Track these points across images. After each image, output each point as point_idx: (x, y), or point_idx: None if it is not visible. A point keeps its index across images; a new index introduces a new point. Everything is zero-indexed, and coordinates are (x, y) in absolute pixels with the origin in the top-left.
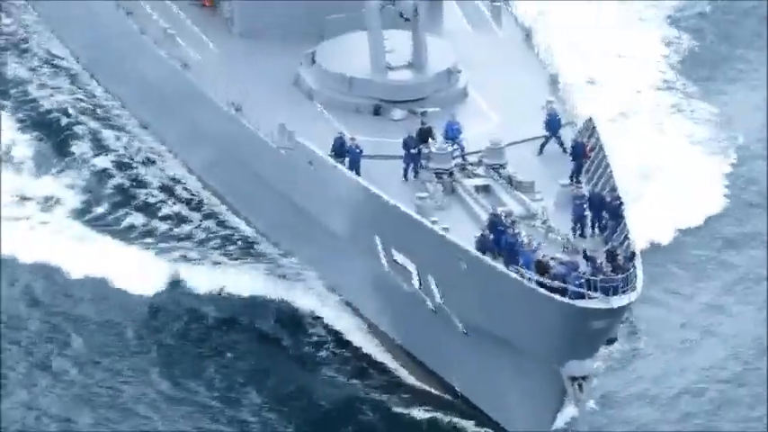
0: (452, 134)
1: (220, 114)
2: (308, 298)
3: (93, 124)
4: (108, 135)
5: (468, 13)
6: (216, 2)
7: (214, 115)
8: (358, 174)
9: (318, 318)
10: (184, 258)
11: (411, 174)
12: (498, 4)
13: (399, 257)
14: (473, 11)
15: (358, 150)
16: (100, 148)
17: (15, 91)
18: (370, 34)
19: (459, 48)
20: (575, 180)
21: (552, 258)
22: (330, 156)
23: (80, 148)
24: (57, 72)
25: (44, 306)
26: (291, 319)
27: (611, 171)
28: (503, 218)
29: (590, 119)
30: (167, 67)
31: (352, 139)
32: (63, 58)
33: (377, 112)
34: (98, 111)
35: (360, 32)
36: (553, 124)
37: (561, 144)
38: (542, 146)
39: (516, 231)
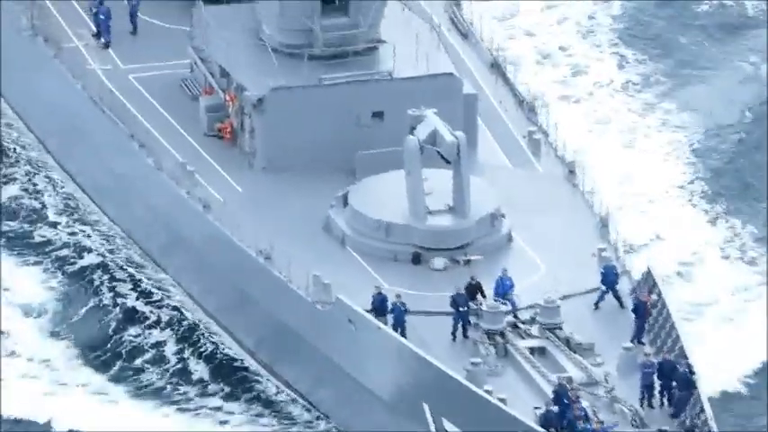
0: (504, 290)
1: (248, 262)
2: None
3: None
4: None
5: (504, 146)
6: (235, 134)
7: (241, 262)
8: (403, 334)
9: None
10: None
11: (460, 333)
12: (537, 136)
13: (451, 427)
14: (510, 143)
15: (403, 309)
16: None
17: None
18: (408, 176)
19: (498, 186)
20: (637, 342)
21: None
22: (370, 312)
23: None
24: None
25: None
26: None
27: (677, 334)
28: (568, 390)
29: (648, 271)
30: (187, 207)
31: (398, 296)
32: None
33: (416, 260)
34: (107, 250)
35: (395, 172)
36: (609, 278)
37: (619, 299)
38: (598, 301)
39: (582, 404)
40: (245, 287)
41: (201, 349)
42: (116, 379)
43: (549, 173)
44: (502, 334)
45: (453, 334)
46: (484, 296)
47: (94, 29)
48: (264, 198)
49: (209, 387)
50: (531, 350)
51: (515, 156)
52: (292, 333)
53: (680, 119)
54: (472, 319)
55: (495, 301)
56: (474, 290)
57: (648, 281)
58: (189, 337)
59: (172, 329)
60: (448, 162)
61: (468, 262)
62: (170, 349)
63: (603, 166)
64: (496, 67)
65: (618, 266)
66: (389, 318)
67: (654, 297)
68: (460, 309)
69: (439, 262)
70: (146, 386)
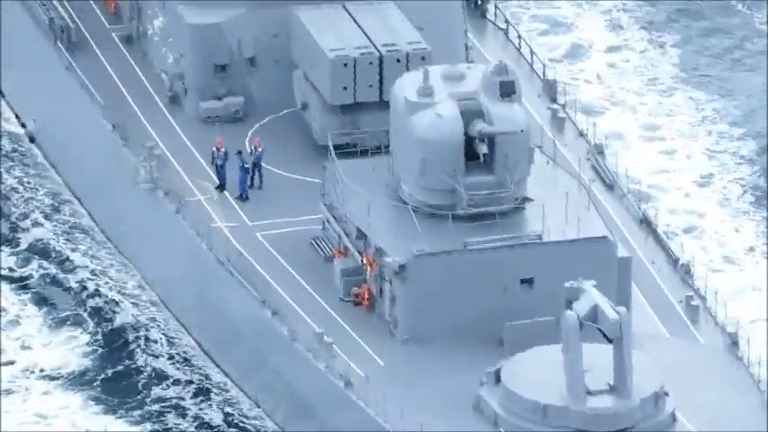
0: None
1: None
2: None
3: None
4: None
5: (660, 313)
6: (374, 301)
7: None
8: None
9: None
10: None
11: None
12: (695, 302)
13: None
14: (666, 309)
15: None
16: None
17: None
18: (566, 354)
19: (657, 359)
20: None
21: None
22: None
23: None
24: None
25: None
26: None
27: None
28: None
29: None
30: (326, 382)
31: None
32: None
33: None
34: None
35: (550, 347)
36: None
37: None
38: None
39: None
40: None
41: None
42: None
43: (710, 343)
44: None
45: None
46: None
47: (217, 181)
48: (408, 373)
49: None
50: None
51: (673, 324)
52: None
53: None
54: None
55: None
56: None
57: None
58: None
59: None
60: (610, 341)
61: None
62: None
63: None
64: (646, 224)
65: None
66: None
67: None
68: None
69: None
70: None
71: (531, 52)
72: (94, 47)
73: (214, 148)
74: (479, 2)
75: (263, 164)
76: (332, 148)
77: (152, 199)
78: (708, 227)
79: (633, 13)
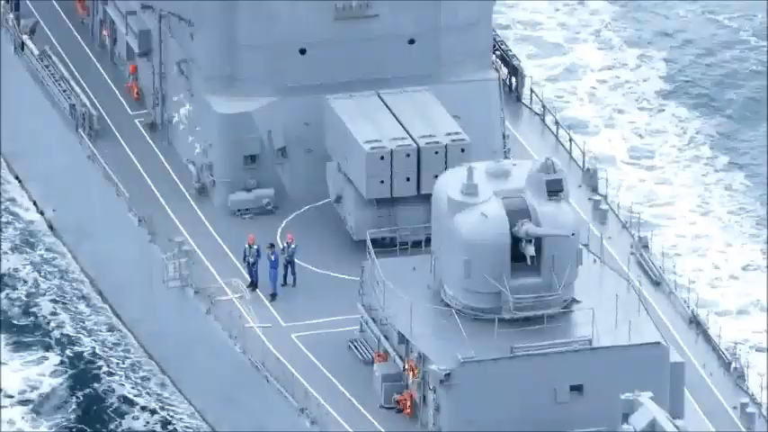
0: None
1: None
2: None
3: None
4: None
5: (714, 420)
6: (416, 408)
7: None
8: None
9: None
10: None
11: None
12: (751, 410)
13: None
14: (720, 416)
15: None
16: None
17: None
18: None
19: None
20: None
21: None
22: None
23: None
24: None
25: None
26: None
27: None
28: None
29: None
30: None
31: None
32: None
33: None
34: None
35: None
36: None
37: None
38: None
39: None
40: None
41: None
42: None
43: None
44: None
45: None
46: None
47: (249, 279)
48: None
49: None
50: None
51: None
52: None
53: None
54: None
55: None
56: None
57: None
58: None
59: None
60: None
61: None
62: None
63: None
64: (696, 323)
65: None
66: None
67: None
68: None
69: None
70: None
71: (570, 139)
72: (117, 135)
73: (246, 245)
74: (514, 86)
75: (296, 260)
76: (371, 246)
77: (181, 298)
78: (712, 247)
79: (621, 32)
